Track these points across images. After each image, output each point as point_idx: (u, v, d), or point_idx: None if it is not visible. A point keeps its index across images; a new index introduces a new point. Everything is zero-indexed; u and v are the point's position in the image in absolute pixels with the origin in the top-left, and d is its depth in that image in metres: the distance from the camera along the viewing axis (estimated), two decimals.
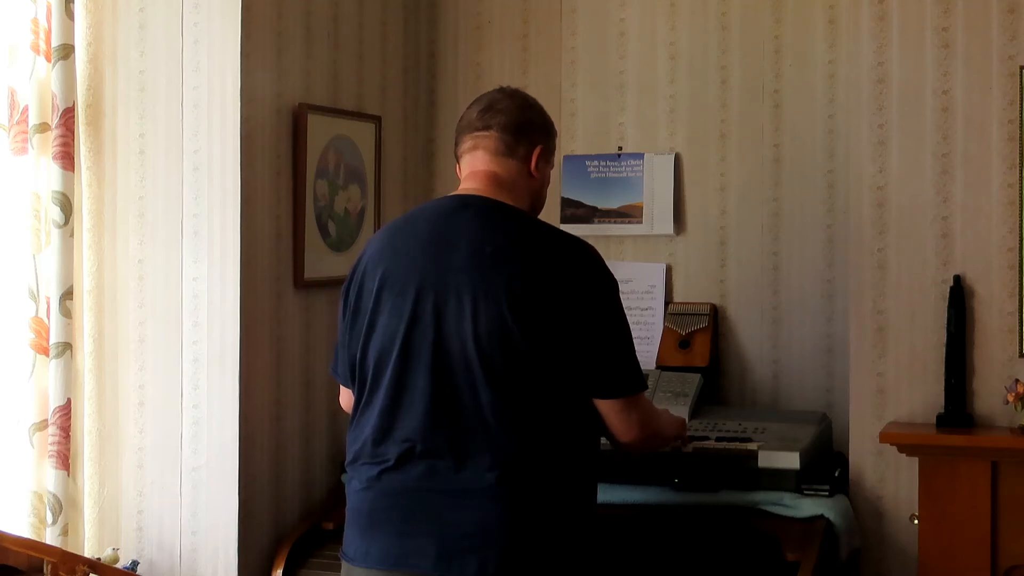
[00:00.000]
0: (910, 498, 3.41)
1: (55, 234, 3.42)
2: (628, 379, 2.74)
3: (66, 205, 3.44)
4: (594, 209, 4.17)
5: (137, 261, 3.60)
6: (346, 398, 2.90)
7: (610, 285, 2.74)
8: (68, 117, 3.45)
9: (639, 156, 4.14)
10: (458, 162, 2.88)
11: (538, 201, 2.90)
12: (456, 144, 2.88)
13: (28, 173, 3.42)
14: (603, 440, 2.82)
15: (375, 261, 2.75)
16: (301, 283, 3.74)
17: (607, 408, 2.74)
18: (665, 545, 3.28)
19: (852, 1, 3.65)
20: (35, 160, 3.42)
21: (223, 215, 3.52)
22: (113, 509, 3.62)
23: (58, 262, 3.42)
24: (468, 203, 2.75)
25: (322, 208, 3.81)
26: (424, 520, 2.61)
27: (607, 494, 3.20)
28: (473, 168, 2.82)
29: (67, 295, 3.44)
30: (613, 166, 4.16)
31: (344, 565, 2.74)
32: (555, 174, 4.16)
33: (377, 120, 4.08)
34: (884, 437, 3.37)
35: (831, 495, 3.35)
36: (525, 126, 2.83)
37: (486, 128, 2.82)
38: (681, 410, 3.61)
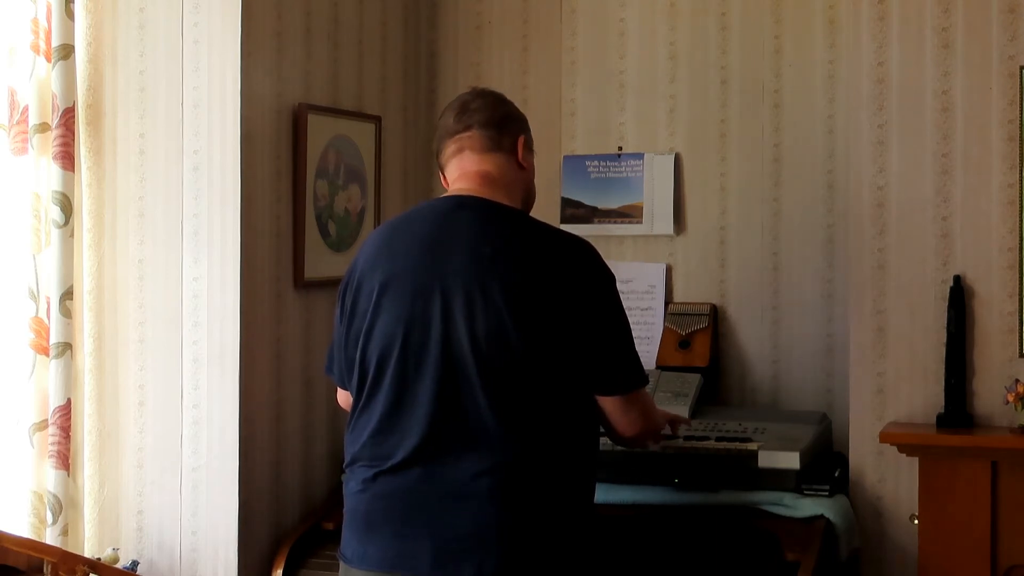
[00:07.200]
0: (910, 498, 3.41)
1: (55, 234, 3.42)
2: (631, 375, 2.74)
3: (66, 205, 3.44)
4: (594, 209, 4.17)
5: (137, 261, 3.60)
6: (344, 397, 2.90)
7: (609, 282, 2.73)
8: (68, 117, 3.45)
9: (639, 156, 4.14)
10: (443, 171, 2.86)
11: (531, 193, 2.90)
12: (438, 153, 2.86)
13: (28, 173, 3.42)
14: (602, 441, 2.82)
15: (372, 263, 2.74)
16: (301, 283, 3.74)
17: (610, 405, 2.74)
18: (665, 545, 3.28)
19: (852, 1, 3.65)
20: (35, 160, 3.42)
21: (223, 215, 3.52)
22: (113, 509, 3.62)
23: (58, 262, 3.42)
24: (464, 204, 2.74)
25: (322, 208, 3.81)
26: (421, 522, 2.60)
27: (607, 494, 3.20)
28: (463, 170, 2.81)
29: (67, 295, 3.44)
30: (613, 166, 4.16)
31: (342, 566, 2.73)
32: (555, 174, 4.17)
33: (377, 120, 4.08)
34: (884, 437, 3.37)
35: (831, 495, 3.35)
36: (505, 119, 2.83)
37: (466, 128, 2.81)
38: (681, 410, 3.61)
